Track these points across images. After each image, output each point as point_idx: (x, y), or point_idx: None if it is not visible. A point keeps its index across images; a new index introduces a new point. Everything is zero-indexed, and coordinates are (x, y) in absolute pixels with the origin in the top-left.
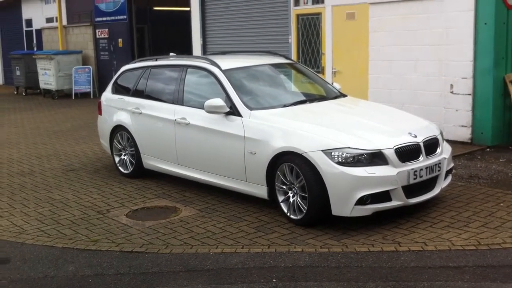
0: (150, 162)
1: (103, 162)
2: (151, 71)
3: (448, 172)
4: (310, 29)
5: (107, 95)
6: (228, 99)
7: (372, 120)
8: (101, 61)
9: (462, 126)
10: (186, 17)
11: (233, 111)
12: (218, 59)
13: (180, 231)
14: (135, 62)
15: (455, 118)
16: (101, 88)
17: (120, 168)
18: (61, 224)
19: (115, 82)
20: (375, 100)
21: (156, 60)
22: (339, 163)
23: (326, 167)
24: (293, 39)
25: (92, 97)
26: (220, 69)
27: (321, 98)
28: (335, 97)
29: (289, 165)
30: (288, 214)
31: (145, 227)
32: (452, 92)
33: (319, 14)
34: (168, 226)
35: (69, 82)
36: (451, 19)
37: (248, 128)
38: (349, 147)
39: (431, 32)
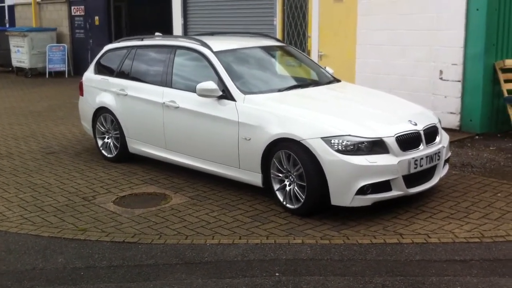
0: (136, 146)
1: (84, 145)
2: (137, 51)
3: (445, 161)
4: (296, 11)
5: (89, 75)
6: (221, 82)
7: (370, 107)
8: (77, 39)
9: (451, 113)
10: None
11: (226, 95)
12: (208, 40)
13: (172, 220)
14: (119, 42)
15: (444, 105)
16: (76, 67)
17: (103, 151)
18: (45, 211)
19: (98, 62)
20: (362, 85)
21: (142, 39)
22: (338, 151)
23: (326, 155)
24: (278, 21)
25: (67, 76)
26: (212, 51)
27: (315, 83)
28: (329, 82)
29: (286, 152)
30: (284, 203)
31: (135, 215)
32: (441, 79)
33: None
34: (159, 214)
35: (43, 60)
36: (442, 4)
37: (242, 113)
38: (349, 135)
39: (422, 17)
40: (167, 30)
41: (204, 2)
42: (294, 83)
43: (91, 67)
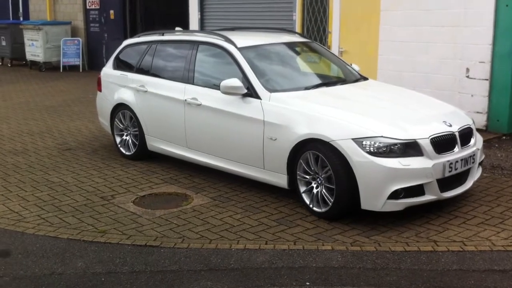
0: (155, 144)
1: (101, 142)
2: (158, 47)
3: (478, 164)
4: (316, 5)
5: (108, 70)
6: (245, 79)
7: (402, 106)
8: (91, 33)
9: (477, 112)
10: None
11: (251, 93)
12: (232, 36)
13: (194, 222)
14: (138, 37)
15: (470, 104)
16: (90, 62)
17: (121, 149)
18: (63, 211)
19: (117, 57)
20: (384, 83)
21: (163, 34)
22: (370, 153)
23: (357, 157)
24: (297, 16)
25: (81, 70)
26: (236, 47)
27: (342, 81)
28: (356, 80)
29: (314, 153)
30: (311, 206)
31: (156, 217)
32: (468, 77)
33: None
34: (180, 216)
35: (57, 54)
36: (469, 0)
37: (268, 111)
38: (382, 136)
39: (447, 13)
40: (184, 25)
41: None
42: (320, 81)
43: (110, 62)
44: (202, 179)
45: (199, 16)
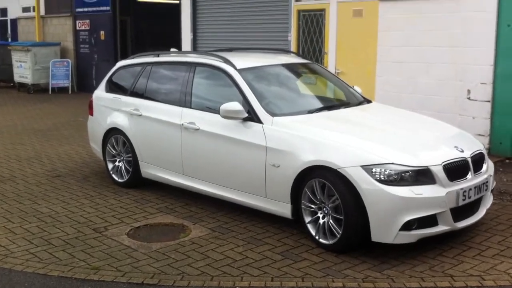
0: (150, 170)
1: (92, 168)
2: (153, 69)
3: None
4: (312, 26)
5: (100, 93)
6: (246, 103)
7: (411, 131)
8: (81, 54)
9: (479, 135)
10: (172, 10)
11: (252, 117)
12: (230, 57)
13: (194, 257)
14: (132, 58)
15: (472, 126)
16: (79, 83)
17: (113, 176)
18: (53, 244)
19: (110, 79)
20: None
21: (158, 56)
22: (380, 181)
23: (366, 185)
24: (293, 36)
25: (70, 92)
26: (235, 68)
27: (346, 104)
28: (360, 103)
29: (320, 181)
30: (317, 237)
31: (152, 251)
32: (469, 98)
33: (322, 10)
34: (178, 249)
35: (46, 75)
36: (469, 20)
37: (270, 136)
38: (392, 163)
39: (447, 33)
40: (175, 46)
41: (214, 16)
42: (323, 104)
43: (102, 84)
44: (199, 208)
45: (192, 36)
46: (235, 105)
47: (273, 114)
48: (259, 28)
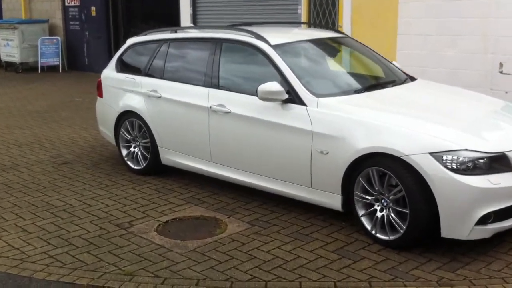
0: (171, 157)
1: (100, 153)
2: (171, 46)
3: None
4: None
5: (110, 73)
6: (285, 83)
7: (477, 112)
8: (71, 31)
9: None
10: None
11: (293, 98)
12: (261, 32)
13: (238, 257)
14: (145, 35)
15: None
16: (70, 62)
17: (128, 162)
18: (74, 245)
19: (120, 58)
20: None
21: (176, 32)
22: (453, 169)
23: (437, 175)
24: (303, 9)
25: (60, 71)
26: (269, 45)
27: (392, 82)
28: (405, 80)
29: (378, 170)
30: (373, 232)
31: (189, 250)
32: (501, 72)
33: None
34: (218, 248)
35: (34, 54)
36: None
37: (317, 120)
38: (466, 149)
39: (477, 3)
40: (171, 22)
41: None
42: (368, 82)
43: (112, 64)
44: (229, 198)
45: (192, 11)
46: (275, 86)
47: (318, 95)
48: (265, 0)
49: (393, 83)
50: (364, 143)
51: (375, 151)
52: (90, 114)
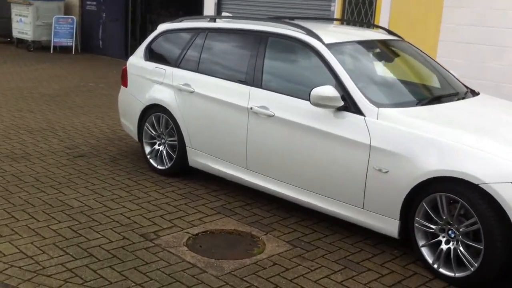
0: (200, 159)
1: (119, 147)
2: (208, 36)
3: None
4: None
5: (137, 61)
6: (341, 87)
7: None
8: (87, 11)
9: None
10: None
11: (349, 106)
12: (312, 28)
13: (284, 286)
14: (180, 21)
15: None
16: (84, 43)
17: (151, 161)
18: (95, 257)
19: (149, 45)
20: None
21: (215, 21)
22: None
23: None
24: (337, 6)
25: (73, 52)
26: (323, 43)
27: (454, 94)
28: (466, 93)
29: (448, 197)
30: (435, 266)
31: (226, 273)
32: None
33: None
34: (259, 273)
35: (47, 32)
36: None
37: (377, 133)
38: None
39: None
40: (192, 10)
41: None
42: (431, 94)
43: (140, 51)
44: (264, 210)
45: (217, 0)
46: (330, 90)
47: (378, 105)
48: None
49: (457, 95)
50: (435, 165)
51: (447, 175)
52: (105, 102)
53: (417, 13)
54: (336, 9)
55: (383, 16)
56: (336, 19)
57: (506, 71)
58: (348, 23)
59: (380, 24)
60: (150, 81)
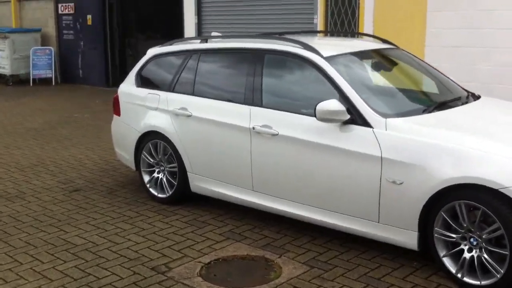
0: (203, 184)
1: (114, 178)
2: (202, 58)
3: None
4: (343, 6)
5: (129, 88)
6: (345, 100)
7: None
8: (65, 41)
9: None
10: None
11: (355, 119)
12: (309, 42)
13: None
14: (170, 45)
15: None
16: (63, 74)
17: (151, 190)
18: None
19: (140, 71)
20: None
21: (206, 41)
22: None
23: None
24: (319, 18)
25: (53, 83)
26: (322, 56)
27: (457, 100)
28: (468, 98)
29: (468, 204)
30: (459, 275)
31: None
32: None
33: None
34: None
35: (25, 65)
36: None
37: (387, 144)
38: None
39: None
40: (172, 33)
41: None
42: (436, 100)
43: (130, 78)
44: (274, 232)
45: (196, 20)
46: (336, 104)
47: (384, 115)
48: (278, 9)
49: (460, 100)
50: (452, 172)
51: (465, 182)
52: (93, 132)
53: (401, 20)
54: (319, 22)
55: (367, 25)
56: (326, 31)
57: (495, 72)
58: (339, 35)
59: (365, 32)
60: (144, 107)
